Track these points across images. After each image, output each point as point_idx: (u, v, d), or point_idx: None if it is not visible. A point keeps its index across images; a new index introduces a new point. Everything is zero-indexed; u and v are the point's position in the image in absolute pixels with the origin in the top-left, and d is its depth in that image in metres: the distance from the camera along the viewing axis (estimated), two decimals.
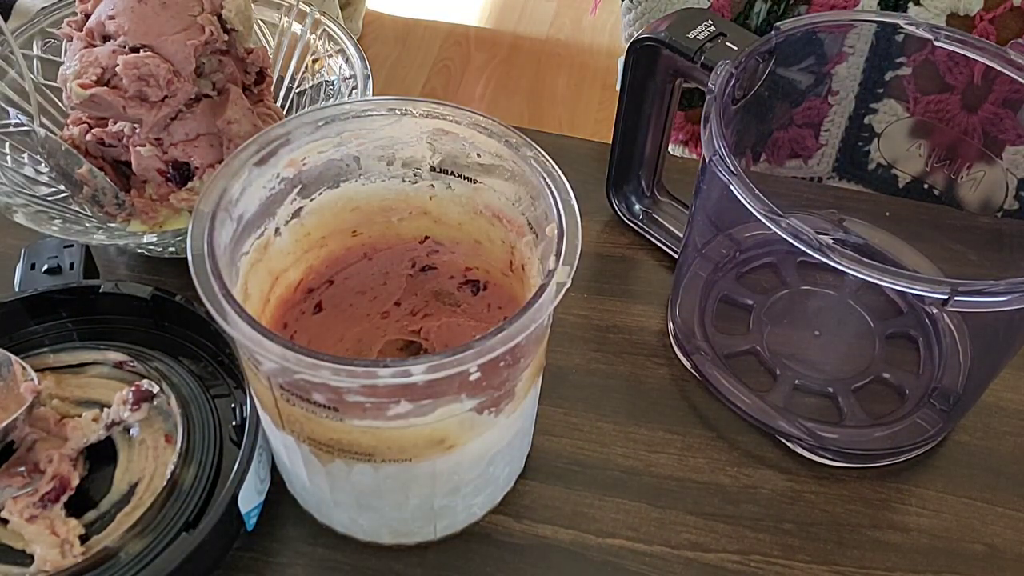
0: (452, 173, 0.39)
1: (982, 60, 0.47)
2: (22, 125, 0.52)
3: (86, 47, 0.48)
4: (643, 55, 0.49)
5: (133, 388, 0.41)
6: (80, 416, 0.41)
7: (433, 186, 0.40)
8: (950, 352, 0.50)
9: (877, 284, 0.37)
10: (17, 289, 0.46)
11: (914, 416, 0.47)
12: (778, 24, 0.47)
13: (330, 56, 0.56)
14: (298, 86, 0.58)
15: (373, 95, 0.53)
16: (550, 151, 0.36)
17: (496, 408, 0.36)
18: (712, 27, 0.47)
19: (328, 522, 0.42)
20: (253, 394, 0.39)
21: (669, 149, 0.56)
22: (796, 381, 0.48)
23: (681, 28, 0.47)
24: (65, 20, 0.51)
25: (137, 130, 0.50)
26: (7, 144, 0.52)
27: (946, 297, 0.36)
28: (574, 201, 0.34)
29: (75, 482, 0.39)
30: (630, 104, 0.51)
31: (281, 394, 0.34)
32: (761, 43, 0.46)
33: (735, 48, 0.46)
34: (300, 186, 0.39)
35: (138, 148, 0.50)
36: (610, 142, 0.54)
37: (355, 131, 0.38)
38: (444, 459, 0.36)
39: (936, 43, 0.47)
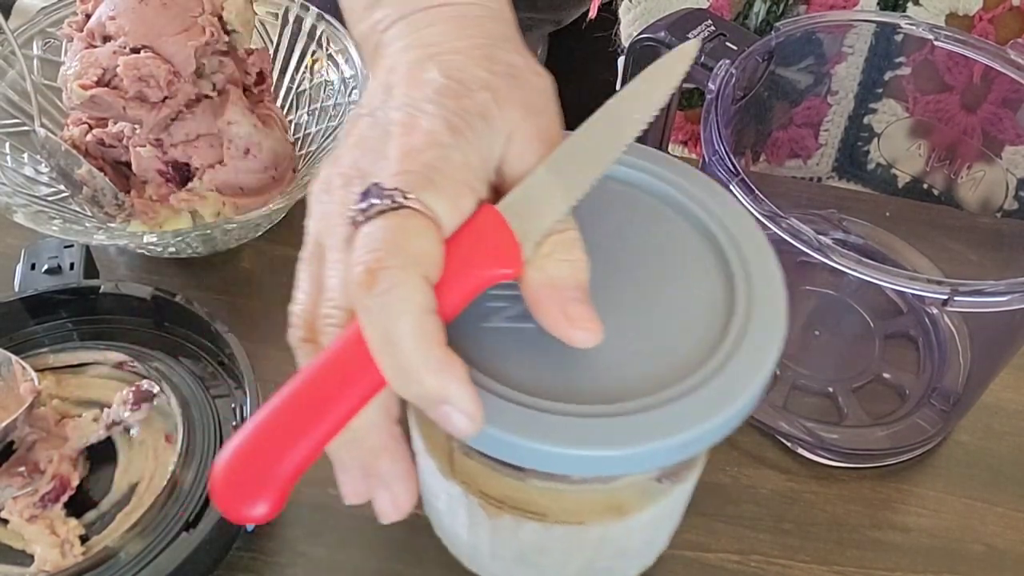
0: None
1: (982, 60, 0.47)
2: (22, 125, 0.52)
3: (87, 48, 0.48)
4: (643, 55, 0.49)
5: (133, 388, 0.41)
6: (80, 416, 0.41)
7: None
8: (950, 352, 0.49)
9: (877, 284, 0.37)
10: (17, 289, 0.46)
11: (914, 416, 0.47)
12: (778, 24, 0.47)
13: (330, 56, 0.56)
14: (298, 86, 0.58)
15: None
16: None
17: (676, 476, 0.34)
18: (712, 27, 0.47)
19: (478, 570, 0.41)
20: (418, 439, 0.37)
21: (669, 149, 0.56)
22: (796, 381, 0.48)
23: (681, 29, 0.47)
24: (66, 20, 0.51)
25: (137, 131, 0.50)
26: (7, 144, 0.52)
27: (946, 297, 0.36)
28: None
29: (75, 482, 0.39)
30: None
31: (459, 446, 0.33)
32: (761, 43, 0.46)
33: (735, 48, 0.46)
34: None
35: (138, 149, 0.50)
36: None
37: None
38: (616, 525, 0.35)
39: (936, 43, 0.47)
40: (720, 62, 0.44)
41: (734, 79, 0.44)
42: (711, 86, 0.43)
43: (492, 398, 0.29)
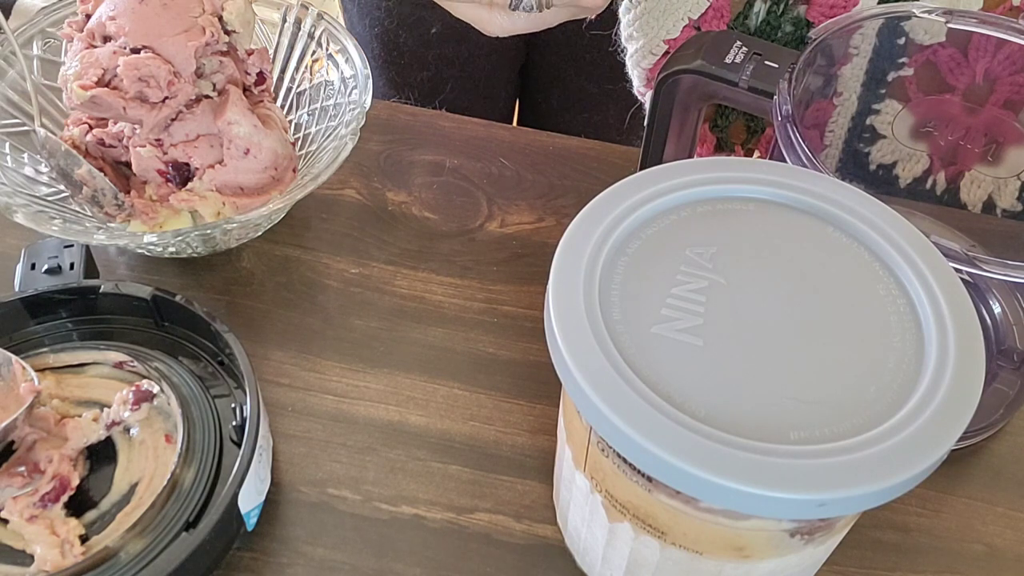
0: None
1: (997, 35, 0.46)
2: (22, 125, 0.52)
3: (87, 48, 0.48)
4: (675, 86, 0.48)
5: (133, 388, 0.41)
6: (80, 416, 0.41)
7: None
8: (999, 314, 0.49)
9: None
10: (17, 289, 0.46)
11: (993, 384, 0.46)
12: (810, 34, 0.46)
13: (330, 56, 0.56)
14: (298, 86, 0.58)
15: (372, 96, 0.53)
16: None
17: (809, 536, 0.33)
18: (744, 48, 0.46)
19: (584, 567, 0.40)
20: (561, 422, 0.37)
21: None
22: None
23: (715, 55, 0.46)
24: (66, 20, 0.51)
25: (137, 131, 0.50)
26: (7, 144, 0.52)
27: None
28: None
29: (75, 482, 0.39)
30: (658, 135, 0.50)
31: (598, 442, 0.32)
32: (804, 57, 0.45)
33: (775, 66, 0.45)
34: None
35: (138, 149, 0.50)
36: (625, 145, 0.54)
37: None
38: (735, 565, 0.33)
39: (949, 24, 0.47)
40: (779, 86, 0.44)
41: (794, 97, 0.43)
42: (781, 110, 0.43)
43: (637, 400, 0.28)
